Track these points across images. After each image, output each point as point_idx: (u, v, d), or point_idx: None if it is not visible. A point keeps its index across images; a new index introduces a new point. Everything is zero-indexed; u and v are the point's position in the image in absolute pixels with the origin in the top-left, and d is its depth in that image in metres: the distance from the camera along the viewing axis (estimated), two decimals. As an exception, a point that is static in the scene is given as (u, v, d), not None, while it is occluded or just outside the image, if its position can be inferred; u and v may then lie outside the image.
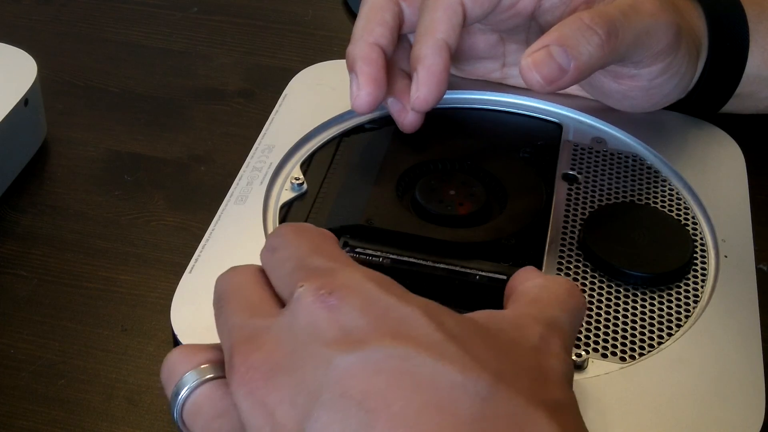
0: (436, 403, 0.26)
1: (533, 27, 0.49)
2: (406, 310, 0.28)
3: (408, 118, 0.47)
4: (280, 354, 0.28)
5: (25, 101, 0.52)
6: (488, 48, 0.52)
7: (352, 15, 0.70)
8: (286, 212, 0.45)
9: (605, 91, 0.49)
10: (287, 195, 0.46)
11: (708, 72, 0.49)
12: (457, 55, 0.51)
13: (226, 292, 0.32)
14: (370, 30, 0.46)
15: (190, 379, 0.30)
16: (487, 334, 0.29)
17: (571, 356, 0.31)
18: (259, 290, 0.31)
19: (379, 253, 0.42)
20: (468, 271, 0.41)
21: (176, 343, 0.38)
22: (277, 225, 0.44)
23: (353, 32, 0.47)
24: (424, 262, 0.42)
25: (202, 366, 0.30)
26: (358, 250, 0.43)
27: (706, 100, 0.51)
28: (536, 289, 0.33)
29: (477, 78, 0.54)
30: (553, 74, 0.41)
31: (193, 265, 0.41)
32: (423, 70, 0.44)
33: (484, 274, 0.41)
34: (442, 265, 0.41)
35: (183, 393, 0.30)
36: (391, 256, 0.42)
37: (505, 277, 0.41)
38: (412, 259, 0.42)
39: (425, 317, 0.28)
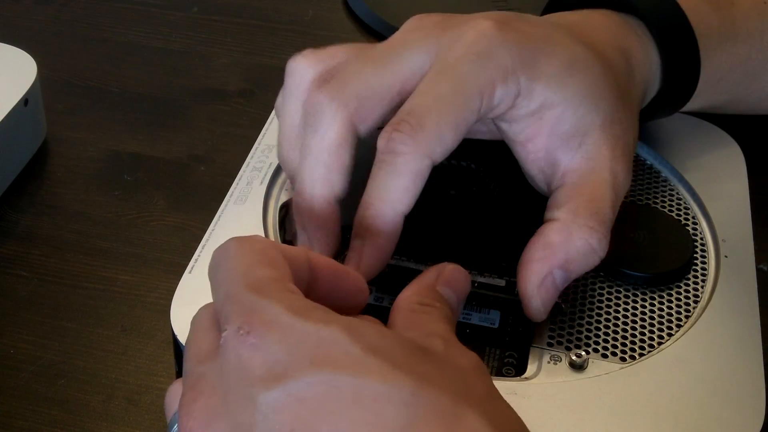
0: (361, 419, 0.26)
1: None
2: (324, 333, 0.28)
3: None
4: (214, 400, 0.28)
5: (25, 101, 0.52)
6: None
7: (352, 15, 0.70)
8: (286, 212, 0.45)
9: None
10: (287, 195, 0.46)
11: (654, 105, 0.47)
12: None
13: (188, 335, 0.32)
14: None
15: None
16: (409, 343, 0.29)
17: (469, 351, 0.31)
18: (211, 333, 0.31)
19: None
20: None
21: (176, 343, 0.38)
22: (277, 225, 0.44)
23: (308, 175, 0.39)
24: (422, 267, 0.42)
25: None
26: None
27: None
28: (405, 309, 0.33)
29: None
30: (554, 299, 0.39)
31: (193, 266, 0.41)
32: (370, 247, 0.38)
33: (481, 281, 0.41)
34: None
35: (174, 428, 0.30)
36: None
37: (503, 282, 0.41)
38: (410, 265, 0.42)
39: (344, 335, 0.28)
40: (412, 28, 0.41)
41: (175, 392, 0.32)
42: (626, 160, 0.41)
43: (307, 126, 0.39)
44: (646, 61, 0.45)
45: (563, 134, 0.40)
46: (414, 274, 0.41)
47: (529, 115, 0.40)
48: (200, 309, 0.33)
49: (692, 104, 0.49)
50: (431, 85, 0.38)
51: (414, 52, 0.40)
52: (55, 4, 0.70)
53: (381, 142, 0.38)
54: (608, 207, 0.39)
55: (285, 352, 0.28)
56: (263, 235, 0.43)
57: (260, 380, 0.27)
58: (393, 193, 0.38)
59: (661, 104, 0.47)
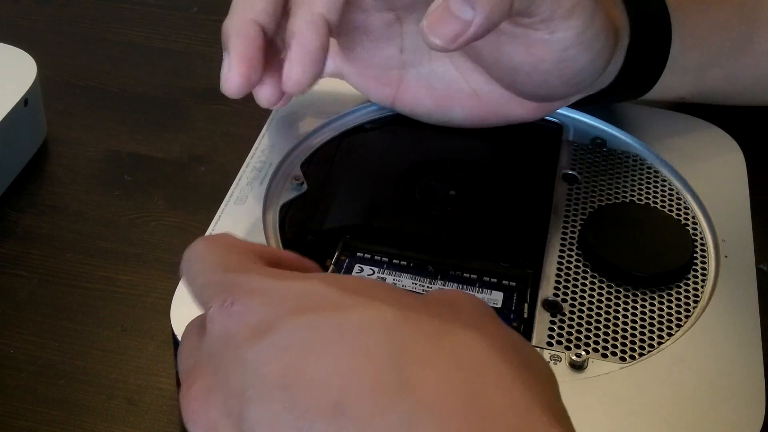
0: (346, 353, 0.26)
1: None
2: (303, 286, 0.29)
3: (263, 91, 0.43)
4: (207, 376, 0.29)
5: (25, 101, 0.52)
6: (383, 27, 0.47)
7: (352, 15, 0.69)
8: (286, 212, 0.45)
9: (514, 64, 0.44)
10: (287, 195, 0.46)
11: (629, 61, 0.47)
12: (348, 37, 0.47)
13: (180, 343, 0.32)
14: (250, 4, 0.41)
15: None
16: (393, 287, 0.30)
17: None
18: (200, 331, 0.31)
19: (378, 257, 0.42)
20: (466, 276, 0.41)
21: (176, 343, 0.38)
22: (277, 225, 0.44)
23: (232, 4, 0.42)
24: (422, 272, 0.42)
25: None
26: (359, 251, 0.43)
27: (626, 92, 0.49)
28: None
29: (375, 77, 0.49)
30: (454, 31, 0.38)
31: (193, 265, 0.41)
32: (296, 47, 0.40)
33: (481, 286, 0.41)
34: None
35: None
36: (391, 262, 0.42)
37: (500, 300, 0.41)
38: (411, 264, 0.42)
39: (324, 285, 0.28)
40: None
41: None
42: None
43: None
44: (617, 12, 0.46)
45: None
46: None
47: None
48: (189, 322, 0.33)
49: (687, 75, 0.50)
50: None
51: None
52: (55, 4, 0.70)
53: None
54: None
55: (268, 311, 0.28)
56: (263, 235, 0.43)
57: (246, 340, 0.28)
58: None
59: (637, 61, 0.47)
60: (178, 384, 0.40)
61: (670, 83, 0.50)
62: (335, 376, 0.26)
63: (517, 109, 0.48)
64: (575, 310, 0.40)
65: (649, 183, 0.48)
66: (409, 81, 0.48)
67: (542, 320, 0.40)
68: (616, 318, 0.40)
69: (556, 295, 0.41)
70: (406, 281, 0.41)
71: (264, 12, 0.41)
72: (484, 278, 0.41)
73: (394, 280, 0.41)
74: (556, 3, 0.40)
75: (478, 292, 0.41)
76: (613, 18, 0.45)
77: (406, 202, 0.46)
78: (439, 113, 0.49)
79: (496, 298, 0.41)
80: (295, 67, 0.40)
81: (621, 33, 0.46)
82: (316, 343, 0.27)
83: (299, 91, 0.41)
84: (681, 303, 0.41)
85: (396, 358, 0.26)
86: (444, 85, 0.48)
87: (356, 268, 0.42)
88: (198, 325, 0.32)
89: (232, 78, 0.41)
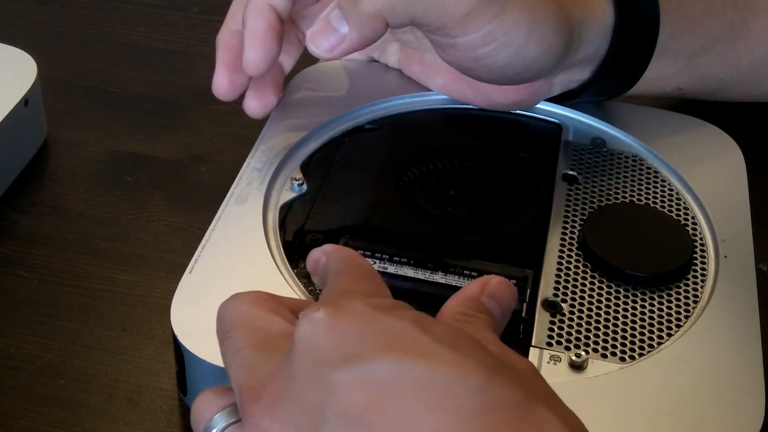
0: (435, 402, 0.26)
1: None
2: (395, 323, 0.29)
3: (250, 103, 0.49)
4: (281, 382, 0.29)
5: (25, 101, 0.52)
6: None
7: (352, 15, 0.69)
8: (286, 212, 0.45)
9: (451, 64, 0.46)
10: (287, 195, 0.46)
11: (616, 43, 0.47)
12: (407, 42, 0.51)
13: (233, 322, 0.32)
14: (233, 15, 0.48)
15: (217, 422, 0.30)
16: (473, 338, 0.30)
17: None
18: (269, 319, 0.31)
19: (377, 261, 0.42)
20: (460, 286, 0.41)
21: (176, 343, 0.38)
22: (277, 225, 0.44)
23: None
24: (421, 277, 0.41)
25: (229, 408, 0.31)
26: (358, 250, 0.43)
27: (618, 76, 0.49)
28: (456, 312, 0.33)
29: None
30: (331, 43, 0.41)
31: (193, 266, 0.41)
32: (246, 34, 0.45)
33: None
34: (439, 278, 0.41)
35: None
36: (390, 270, 0.42)
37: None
38: (409, 273, 0.42)
39: (414, 327, 0.28)
40: None
41: (208, 398, 0.31)
42: None
43: None
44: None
45: None
46: (433, 286, 0.41)
47: None
48: (242, 304, 0.33)
49: (680, 60, 0.50)
50: None
51: None
52: (55, 4, 0.70)
53: None
54: None
55: (356, 335, 0.28)
56: (263, 235, 0.43)
57: (331, 359, 0.28)
58: None
59: (625, 42, 0.47)
60: (179, 384, 0.40)
61: (664, 69, 0.50)
62: (419, 424, 0.26)
63: (495, 91, 0.49)
64: (575, 310, 0.40)
65: (648, 183, 0.48)
66: (407, 50, 0.53)
67: (542, 320, 0.40)
68: (616, 318, 0.40)
69: (555, 295, 0.41)
70: (407, 271, 0.41)
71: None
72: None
73: (396, 270, 0.41)
74: (443, 15, 0.41)
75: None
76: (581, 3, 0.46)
77: (406, 202, 0.46)
78: (423, 80, 0.53)
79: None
80: (248, 51, 0.45)
81: (600, 16, 0.46)
82: (404, 387, 0.27)
83: (255, 72, 0.45)
84: (681, 303, 0.41)
85: (483, 419, 0.26)
86: (432, 57, 0.49)
87: None
88: (267, 308, 0.32)
89: (218, 82, 0.48)
